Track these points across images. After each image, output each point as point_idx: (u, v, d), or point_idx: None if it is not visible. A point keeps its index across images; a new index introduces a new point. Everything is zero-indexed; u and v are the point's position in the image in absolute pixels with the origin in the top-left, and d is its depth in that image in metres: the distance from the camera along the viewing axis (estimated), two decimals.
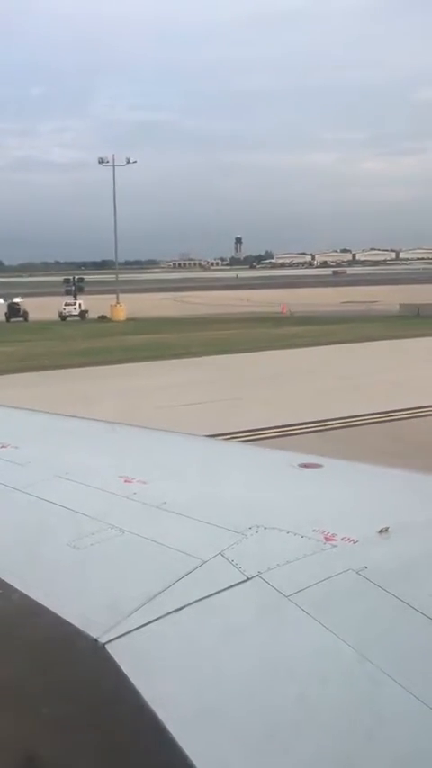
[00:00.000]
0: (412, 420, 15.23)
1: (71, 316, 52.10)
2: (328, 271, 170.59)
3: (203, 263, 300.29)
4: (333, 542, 2.45)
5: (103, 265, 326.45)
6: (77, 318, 52.03)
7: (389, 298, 55.76)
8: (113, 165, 50.15)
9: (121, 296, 72.58)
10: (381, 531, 2.49)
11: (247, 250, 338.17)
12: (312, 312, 47.91)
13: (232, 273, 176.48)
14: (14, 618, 2.97)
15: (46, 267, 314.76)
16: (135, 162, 51.78)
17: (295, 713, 1.75)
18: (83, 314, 52.41)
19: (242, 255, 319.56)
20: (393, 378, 19.82)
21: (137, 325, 43.84)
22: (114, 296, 54.05)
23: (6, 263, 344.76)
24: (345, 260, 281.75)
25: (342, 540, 2.46)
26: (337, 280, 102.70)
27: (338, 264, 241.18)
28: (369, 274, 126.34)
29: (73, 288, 56.83)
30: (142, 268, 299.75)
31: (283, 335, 33.18)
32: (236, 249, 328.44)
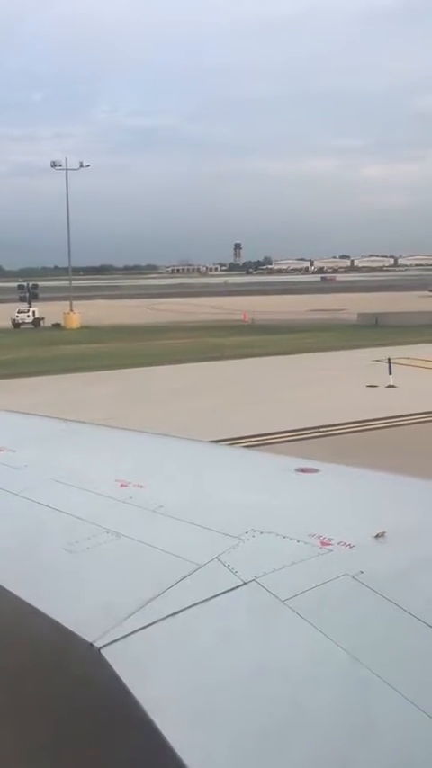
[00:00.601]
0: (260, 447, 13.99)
1: (24, 323, 50.88)
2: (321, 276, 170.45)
3: (201, 268, 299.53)
4: (329, 547, 2.43)
5: (101, 270, 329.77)
6: (31, 326, 50.82)
7: (361, 306, 54.68)
8: (66, 169, 49.03)
9: (93, 302, 71.70)
10: (377, 536, 2.47)
11: (247, 256, 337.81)
12: (273, 320, 46.89)
13: (236, 279, 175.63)
14: (10, 622, 2.91)
15: (45, 272, 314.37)
16: (88, 166, 50.52)
17: (291, 717, 1.73)
18: (37, 321, 51.06)
19: (241, 261, 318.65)
20: (286, 396, 18.73)
21: (85, 333, 42.77)
22: (98, 302, 52.29)
23: (7, 268, 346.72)
24: (343, 266, 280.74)
25: (338, 544, 2.44)
26: (324, 286, 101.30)
27: (335, 270, 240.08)
28: (358, 281, 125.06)
29: (27, 295, 55.50)
30: (140, 273, 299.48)
31: (224, 346, 32.10)
32: (235, 255, 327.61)
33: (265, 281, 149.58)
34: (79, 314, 48.82)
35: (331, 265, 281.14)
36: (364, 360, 25.76)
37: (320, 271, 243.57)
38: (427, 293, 69.50)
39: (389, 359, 20.30)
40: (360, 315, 43.46)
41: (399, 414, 16.59)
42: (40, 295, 60.39)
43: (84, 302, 74.31)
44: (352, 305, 56.86)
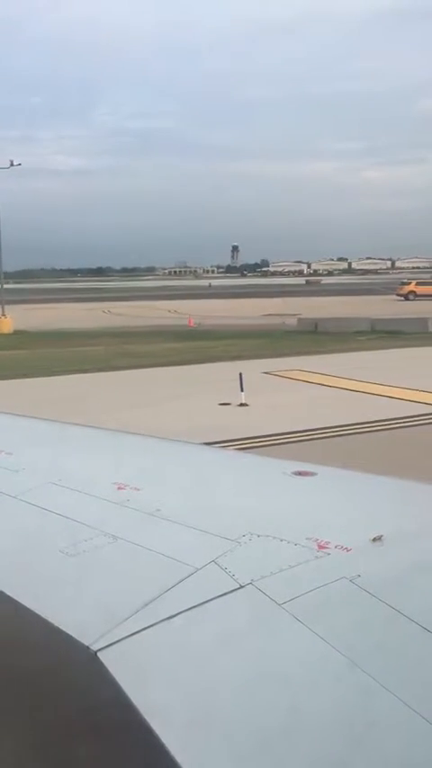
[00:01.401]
0: None
1: None
2: (317, 279, 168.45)
3: (197, 271, 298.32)
4: (326, 550, 2.41)
5: (99, 272, 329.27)
6: None
7: (324, 310, 52.84)
8: None
9: (57, 306, 69.87)
10: (374, 540, 2.45)
11: (245, 258, 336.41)
12: (217, 326, 44.92)
13: (225, 281, 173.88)
14: (6, 625, 2.80)
15: (43, 274, 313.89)
16: (20, 164, 48.53)
17: (289, 722, 1.74)
18: None
19: (238, 263, 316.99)
20: (118, 417, 16.68)
21: (11, 339, 40.83)
22: (64, 305, 49.87)
23: (7, 269, 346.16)
24: (340, 268, 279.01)
25: (336, 548, 2.42)
26: (304, 290, 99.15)
27: (329, 273, 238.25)
28: (344, 284, 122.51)
29: None
30: (137, 275, 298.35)
31: (131, 354, 30.18)
32: (232, 257, 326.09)
33: (253, 283, 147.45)
34: (12, 318, 46.93)
35: (328, 267, 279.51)
36: (253, 371, 23.82)
37: (315, 273, 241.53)
38: (395, 297, 67.33)
39: (240, 374, 18.23)
40: (300, 320, 41.40)
41: (229, 437, 14.61)
42: (13, 298, 58.42)
43: (49, 305, 72.94)
44: (314, 309, 54.96)
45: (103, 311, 65.31)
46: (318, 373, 23.07)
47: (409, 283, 70.41)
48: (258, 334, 38.83)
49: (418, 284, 69.86)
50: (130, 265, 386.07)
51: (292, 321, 44.57)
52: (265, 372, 23.61)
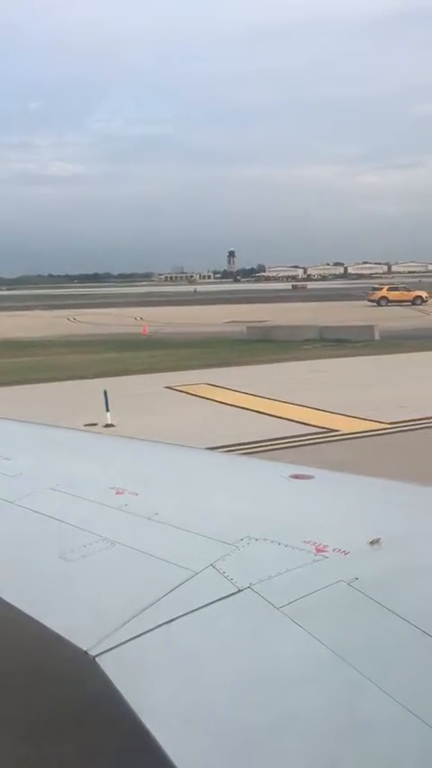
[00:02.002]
0: None
1: None
2: (314, 284, 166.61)
3: (190, 276, 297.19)
4: (324, 553, 2.41)
5: (95, 278, 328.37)
6: None
7: (287, 317, 51.39)
8: None
9: (26, 313, 68.53)
10: (372, 543, 2.45)
11: (242, 263, 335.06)
12: (172, 334, 43.81)
13: (221, 286, 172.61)
14: (4, 630, 2.79)
15: (39, 280, 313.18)
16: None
17: (287, 725, 1.74)
18: None
19: (235, 269, 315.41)
20: None
21: None
22: (33, 312, 48.09)
23: (5, 276, 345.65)
24: (335, 273, 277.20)
25: (333, 551, 2.42)
26: (285, 295, 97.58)
27: (323, 278, 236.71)
28: (331, 289, 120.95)
29: None
30: (132, 281, 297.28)
31: (53, 366, 28.78)
32: (229, 262, 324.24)
33: (242, 288, 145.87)
34: None
35: (324, 272, 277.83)
36: (156, 386, 22.33)
37: (308, 278, 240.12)
38: (367, 303, 65.73)
39: (105, 391, 16.73)
40: (248, 328, 39.90)
41: None
42: None
43: (22, 313, 71.60)
44: (278, 316, 53.49)
45: (69, 319, 63.94)
46: (224, 388, 21.61)
47: (381, 289, 68.76)
48: (204, 343, 37.44)
49: (389, 290, 68.21)
50: (129, 271, 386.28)
51: (299, 324, 42.97)
52: (167, 387, 22.13)
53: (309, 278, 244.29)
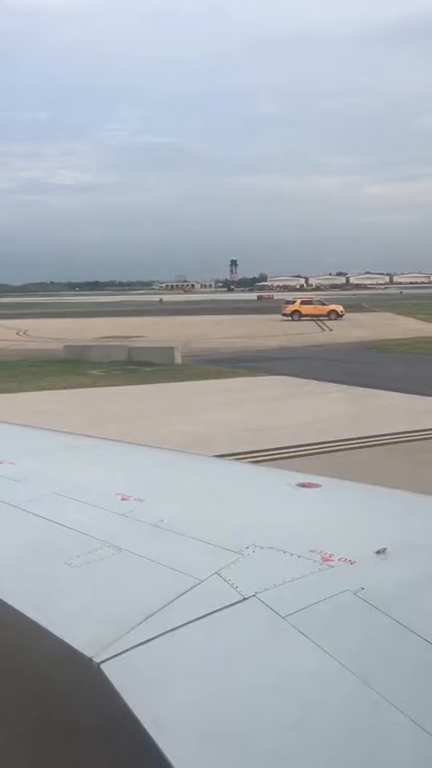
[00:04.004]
0: None
1: None
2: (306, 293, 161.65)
3: (193, 285, 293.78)
4: (330, 563, 2.40)
5: (96, 286, 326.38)
6: None
7: (170, 332, 46.64)
8: None
9: None
10: (378, 552, 2.43)
11: (244, 272, 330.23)
12: (17, 351, 38.98)
13: (197, 296, 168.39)
14: (9, 636, 2.78)
15: (40, 288, 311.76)
16: None
17: (293, 735, 1.74)
18: None
19: (236, 278, 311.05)
20: None
21: None
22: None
23: (13, 283, 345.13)
24: (337, 283, 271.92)
25: (339, 560, 2.41)
26: (220, 308, 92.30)
27: (316, 288, 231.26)
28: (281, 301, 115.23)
29: None
30: (132, 289, 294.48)
31: None
32: (231, 271, 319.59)
33: (224, 299, 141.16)
34: None
35: (325, 282, 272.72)
36: None
37: (300, 289, 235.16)
38: (282, 317, 60.47)
39: None
40: (66, 347, 35.02)
41: None
42: None
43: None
44: (163, 331, 48.64)
45: None
46: None
47: (294, 302, 63.04)
48: (4, 363, 32.58)
49: (302, 303, 62.35)
50: (135, 279, 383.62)
51: (112, 344, 38.32)
52: None
53: (301, 287, 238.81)
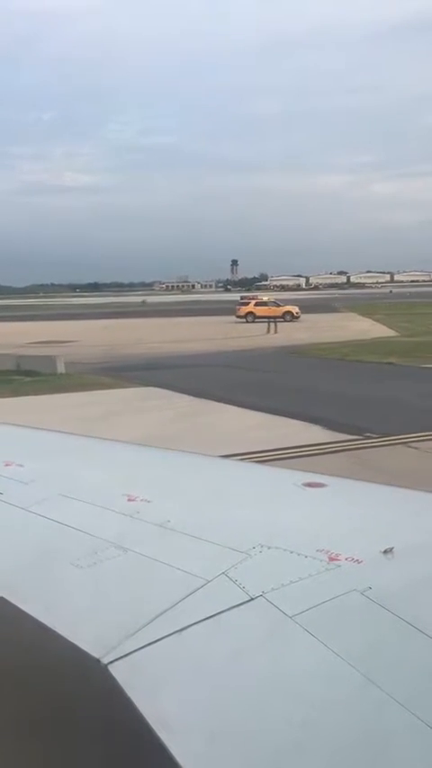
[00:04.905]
0: None
1: None
2: (301, 294, 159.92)
3: (193, 285, 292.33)
4: (337, 562, 2.39)
5: (95, 288, 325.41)
6: None
7: (117, 336, 44.73)
8: None
9: None
10: (385, 552, 2.41)
11: (246, 272, 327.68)
12: None
13: (212, 296, 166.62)
14: (16, 637, 2.79)
15: (42, 290, 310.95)
16: None
17: (300, 735, 1.74)
18: None
19: (237, 278, 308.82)
20: None
21: None
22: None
23: (17, 285, 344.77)
24: (338, 282, 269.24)
25: (346, 560, 2.39)
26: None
27: (315, 287, 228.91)
28: (288, 300, 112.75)
29: None
30: (132, 290, 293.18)
31: None
32: (232, 271, 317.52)
33: (214, 299, 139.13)
34: None
35: (326, 281, 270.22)
36: None
37: (288, 288, 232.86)
38: (235, 319, 58.13)
39: None
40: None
41: None
42: None
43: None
44: (111, 335, 46.59)
45: None
46: None
47: (248, 303, 60.82)
48: None
49: (256, 305, 60.07)
50: (138, 280, 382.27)
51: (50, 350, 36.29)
52: None
53: (298, 287, 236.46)
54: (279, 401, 18.57)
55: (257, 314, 57.11)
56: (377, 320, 53.63)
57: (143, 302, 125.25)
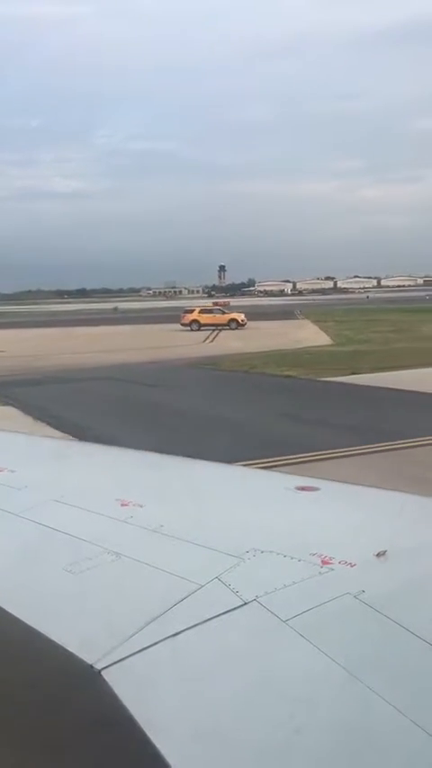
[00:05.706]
0: None
1: None
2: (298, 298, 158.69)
3: (169, 292, 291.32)
4: (330, 566, 2.39)
5: (84, 293, 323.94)
6: None
7: (51, 346, 43.29)
8: None
9: None
10: (378, 555, 2.41)
11: (233, 277, 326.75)
12: None
13: (196, 301, 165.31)
14: (9, 643, 2.75)
15: (28, 296, 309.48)
16: None
17: (293, 738, 1.73)
18: None
19: (225, 283, 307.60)
20: None
21: None
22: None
23: (6, 291, 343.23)
24: (324, 287, 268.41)
25: (340, 563, 2.39)
26: (143, 316, 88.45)
27: (300, 292, 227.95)
28: (255, 306, 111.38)
29: None
30: (119, 295, 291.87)
31: None
32: (219, 277, 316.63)
33: (178, 305, 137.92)
34: None
35: (313, 286, 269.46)
36: None
37: (261, 293, 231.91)
38: (180, 327, 56.60)
39: None
40: None
41: None
42: None
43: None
44: (50, 345, 45.13)
45: None
46: None
47: (192, 311, 59.29)
48: None
49: (201, 312, 58.59)
50: (127, 286, 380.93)
51: None
52: None
53: (282, 292, 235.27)
54: (92, 416, 17.98)
55: (202, 321, 55.61)
56: (324, 328, 52.18)
57: (115, 309, 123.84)
